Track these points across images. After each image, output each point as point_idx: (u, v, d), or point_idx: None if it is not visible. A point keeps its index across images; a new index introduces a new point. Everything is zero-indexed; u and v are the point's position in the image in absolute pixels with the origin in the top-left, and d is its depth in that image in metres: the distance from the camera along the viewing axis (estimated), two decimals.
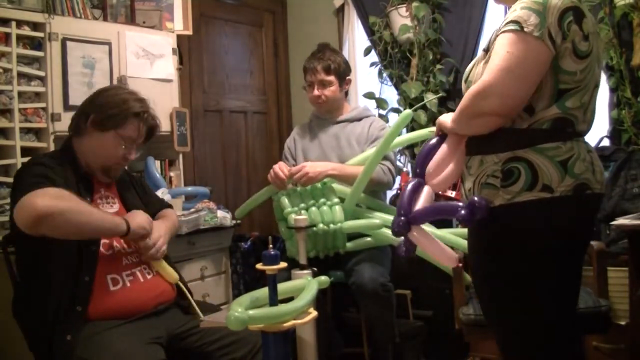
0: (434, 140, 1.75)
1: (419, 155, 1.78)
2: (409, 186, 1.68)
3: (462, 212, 1.48)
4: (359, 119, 2.80)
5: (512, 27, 1.45)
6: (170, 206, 2.25)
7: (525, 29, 1.42)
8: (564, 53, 1.46)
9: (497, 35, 1.50)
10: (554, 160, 1.46)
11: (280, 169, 2.54)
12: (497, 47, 1.47)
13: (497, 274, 1.55)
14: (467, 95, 1.52)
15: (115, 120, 1.87)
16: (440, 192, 3.24)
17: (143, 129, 1.93)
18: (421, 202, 1.65)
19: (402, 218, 1.60)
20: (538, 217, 1.48)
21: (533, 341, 1.54)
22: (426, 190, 1.69)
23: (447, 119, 1.69)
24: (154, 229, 1.90)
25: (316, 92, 2.74)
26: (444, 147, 1.70)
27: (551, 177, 1.45)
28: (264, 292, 1.56)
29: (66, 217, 1.63)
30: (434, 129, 1.82)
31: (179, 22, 3.23)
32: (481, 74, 1.54)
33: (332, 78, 2.74)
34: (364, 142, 2.72)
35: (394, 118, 3.68)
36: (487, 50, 1.57)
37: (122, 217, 1.81)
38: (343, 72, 2.78)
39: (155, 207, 2.12)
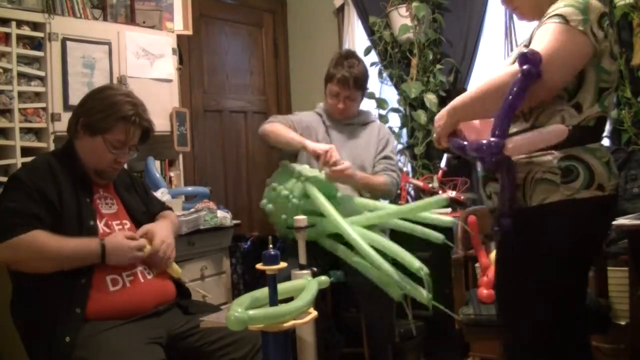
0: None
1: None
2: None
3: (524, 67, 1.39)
4: (365, 124, 2.82)
5: (556, 20, 1.49)
6: (170, 209, 2.24)
7: (571, 23, 1.47)
8: (604, 52, 1.52)
9: (539, 27, 1.54)
10: (602, 161, 1.53)
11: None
12: (541, 34, 1.50)
13: (549, 266, 1.56)
14: (507, 74, 1.50)
15: (102, 125, 1.84)
16: (440, 192, 3.25)
17: (133, 133, 1.89)
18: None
19: (493, 139, 1.42)
20: (594, 213, 1.54)
21: (559, 331, 1.56)
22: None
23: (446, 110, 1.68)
24: (156, 236, 1.89)
25: (341, 105, 2.72)
26: None
27: (603, 176, 1.52)
28: (264, 292, 1.56)
29: (30, 264, 1.72)
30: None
31: (179, 22, 3.23)
32: None
33: (359, 93, 2.74)
34: (372, 145, 2.74)
35: (394, 118, 3.68)
36: (528, 46, 1.58)
37: (98, 244, 1.75)
38: (366, 84, 2.79)
39: (155, 209, 2.12)
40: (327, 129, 2.79)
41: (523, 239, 1.58)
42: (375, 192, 2.65)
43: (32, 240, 1.69)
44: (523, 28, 1.65)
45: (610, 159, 1.56)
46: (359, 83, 2.70)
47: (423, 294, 2.11)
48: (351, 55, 2.78)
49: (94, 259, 1.75)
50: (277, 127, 2.66)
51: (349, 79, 2.66)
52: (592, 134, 1.55)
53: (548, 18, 1.52)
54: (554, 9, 1.53)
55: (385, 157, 2.74)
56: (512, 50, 3.19)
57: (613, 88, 1.59)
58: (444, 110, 1.66)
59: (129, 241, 1.81)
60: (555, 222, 1.54)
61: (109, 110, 1.85)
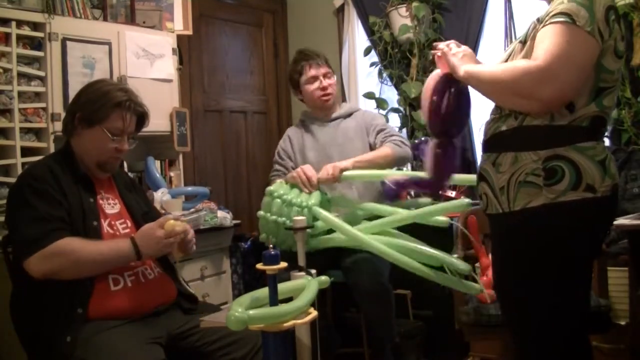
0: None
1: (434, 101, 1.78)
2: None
3: None
4: (350, 114, 2.82)
5: (563, 18, 1.41)
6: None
7: (578, 23, 1.39)
8: (607, 51, 1.44)
9: (543, 26, 1.45)
10: (594, 160, 1.45)
11: (309, 170, 2.47)
12: (549, 35, 1.41)
13: (537, 272, 1.50)
14: (516, 71, 1.44)
15: (99, 115, 1.84)
16: (440, 192, 3.24)
17: (130, 118, 1.89)
18: None
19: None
20: (583, 217, 1.46)
21: (561, 336, 1.53)
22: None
23: (460, 68, 1.66)
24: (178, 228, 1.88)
25: (325, 82, 2.73)
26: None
27: (594, 177, 1.44)
28: (264, 292, 1.56)
29: (69, 272, 1.69)
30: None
31: (179, 22, 3.24)
32: None
33: (331, 70, 2.81)
34: (361, 133, 2.74)
35: (393, 118, 3.68)
36: (524, 42, 1.53)
37: (129, 243, 1.77)
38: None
39: (154, 216, 2.12)
40: (311, 132, 2.78)
41: (510, 245, 1.54)
42: (388, 164, 2.61)
43: (67, 246, 1.69)
44: (523, 28, 1.60)
45: (607, 158, 1.47)
46: (327, 61, 2.80)
47: (476, 287, 2.12)
48: (304, 49, 2.87)
49: (130, 258, 1.76)
50: None
51: (316, 58, 2.75)
52: (584, 133, 1.46)
53: (552, 16, 1.43)
54: (556, 4, 1.45)
55: (380, 131, 2.72)
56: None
57: (616, 87, 1.50)
58: (463, 68, 1.63)
59: (151, 223, 1.82)
60: (540, 227, 1.47)
61: (102, 99, 1.85)
